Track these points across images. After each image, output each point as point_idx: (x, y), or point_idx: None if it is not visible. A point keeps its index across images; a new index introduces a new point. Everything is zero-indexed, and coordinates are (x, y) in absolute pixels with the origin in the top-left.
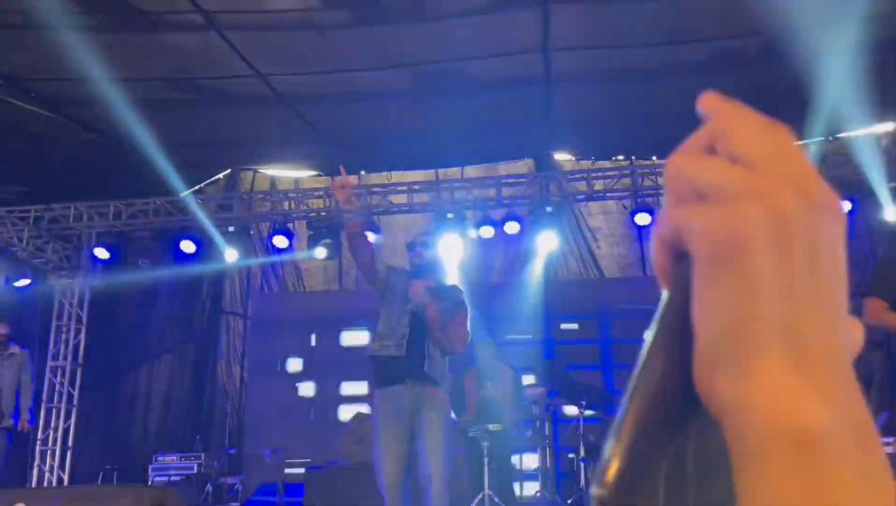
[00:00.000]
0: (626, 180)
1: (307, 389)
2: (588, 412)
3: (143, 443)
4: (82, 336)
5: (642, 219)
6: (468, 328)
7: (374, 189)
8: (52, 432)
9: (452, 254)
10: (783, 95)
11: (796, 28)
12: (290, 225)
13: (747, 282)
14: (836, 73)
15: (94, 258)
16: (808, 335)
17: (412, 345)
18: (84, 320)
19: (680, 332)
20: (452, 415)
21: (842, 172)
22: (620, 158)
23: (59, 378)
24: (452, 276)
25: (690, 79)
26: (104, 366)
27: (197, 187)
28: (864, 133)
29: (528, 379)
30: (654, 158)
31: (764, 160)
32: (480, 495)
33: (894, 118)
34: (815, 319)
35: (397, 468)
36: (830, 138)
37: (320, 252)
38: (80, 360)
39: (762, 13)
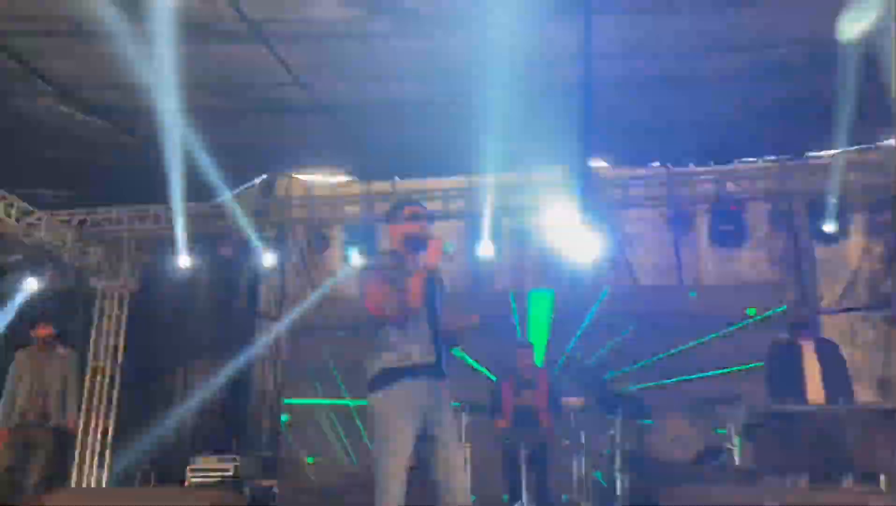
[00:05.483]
0: (663, 188)
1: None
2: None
3: (180, 444)
4: (122, 338)
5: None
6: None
7: (412, 196)
8: (92, 433)
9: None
10: (826, 107)
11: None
12: (325, 230)
13: None
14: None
15: (134, 261)
16: None
17: (437, 347)
18: (124, 322)
19: None
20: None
21: (875, 180)
22: (656, 164)
23: (98, 379)
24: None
25: (732, 87)
26: (142, 367)
27: (235, 192)
28: None
29: None
30: (690, 165)
31: None
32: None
33: None
34: None
35: (403, 481)
36: (873, 146)
37: (356, 258)
38: (120, 361)
39: (809, 22)
